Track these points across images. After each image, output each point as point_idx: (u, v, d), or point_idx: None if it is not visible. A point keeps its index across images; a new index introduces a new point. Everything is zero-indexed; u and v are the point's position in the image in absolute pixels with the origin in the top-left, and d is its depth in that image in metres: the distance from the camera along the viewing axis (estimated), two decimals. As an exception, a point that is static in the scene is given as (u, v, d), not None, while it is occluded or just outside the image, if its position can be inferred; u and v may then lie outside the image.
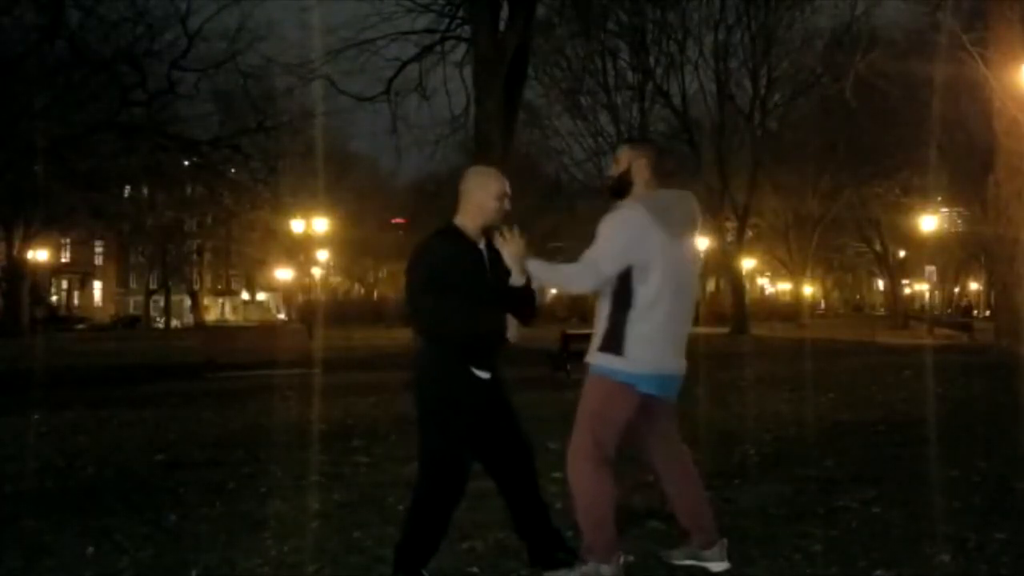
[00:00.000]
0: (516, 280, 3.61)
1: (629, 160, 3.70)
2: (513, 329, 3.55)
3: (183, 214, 52.02)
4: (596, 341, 3.63)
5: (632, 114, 35.59)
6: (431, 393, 3.58)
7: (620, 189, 3.71)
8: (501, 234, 3.62)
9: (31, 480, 6.17)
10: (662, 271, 3.54)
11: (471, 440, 3.60)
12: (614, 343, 3.55)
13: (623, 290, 3.54)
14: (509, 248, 3.60)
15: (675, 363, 3.66)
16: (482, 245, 3.65)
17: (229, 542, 4.40)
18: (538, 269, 3.65)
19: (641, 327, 3.53)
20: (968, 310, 44.57)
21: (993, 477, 5.47)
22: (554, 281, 3.81)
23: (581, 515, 3.56)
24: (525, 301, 3.68)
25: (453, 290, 3.49)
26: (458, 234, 3.63)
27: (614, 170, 3.75)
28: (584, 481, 3.54)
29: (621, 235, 3.54)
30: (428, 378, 3.60)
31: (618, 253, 3.52)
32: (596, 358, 3.60)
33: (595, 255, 3.56)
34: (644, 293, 3.53)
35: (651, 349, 3.55)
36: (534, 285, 3.68)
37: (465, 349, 3.56)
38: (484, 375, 3.59)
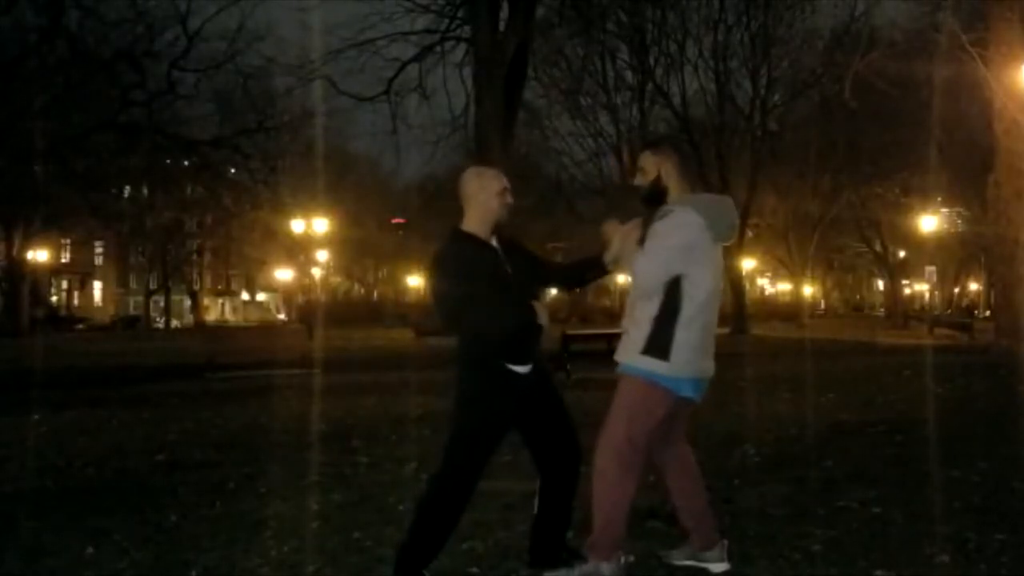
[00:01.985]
0: (613, 264, 3.71)
1: (656, 166, 3.67)
2: (543, 315, 3.58)
3: (183, 214, 51.98)
4: (635, 342, 3.58)
5: (632, 114, 35.60)
6: (472, 397, 3.60)
7: (656, 196, 3.67)
8: (625, 223, 3.68)
9: (31, 480, 6.17)
10: (712, 278, 3.57)
11: (499, 444, 3.62)
12: (660, 348, 3.52)
13: (674, 296, 3.52)
14: (629, 240, 3.62)
15: (710, 366, 3.68)
16: (494, 243, 3.67)
17: (229, 542, 4.41)
18: (637, 256, 3.61)
19: (687, 333, 3.52)
20: (971, 310, 44.56)
21: (993, 477, 5.47)
22: (631, 268, 3.68)
23: (597, 511, 3.55)
24: (586, 278, 3.94)
25: (478, 293, 3.51)
26: (470, 239, 3.64)
27: (642, 178, 3.70)
28: (609, 479, 3.54)
29: (681, 238, 3.51)
30: (470, 382, 3.61)
31: (677, 255, 3.50)
32: (638, 361, 3.56)
33: (663, 255, 3.51)
34: (695, 300, 3.52)
35: (693, 354, 3.55)
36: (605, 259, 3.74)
37: (501, 346, 3.56)
38: (523, 370, 3.59)
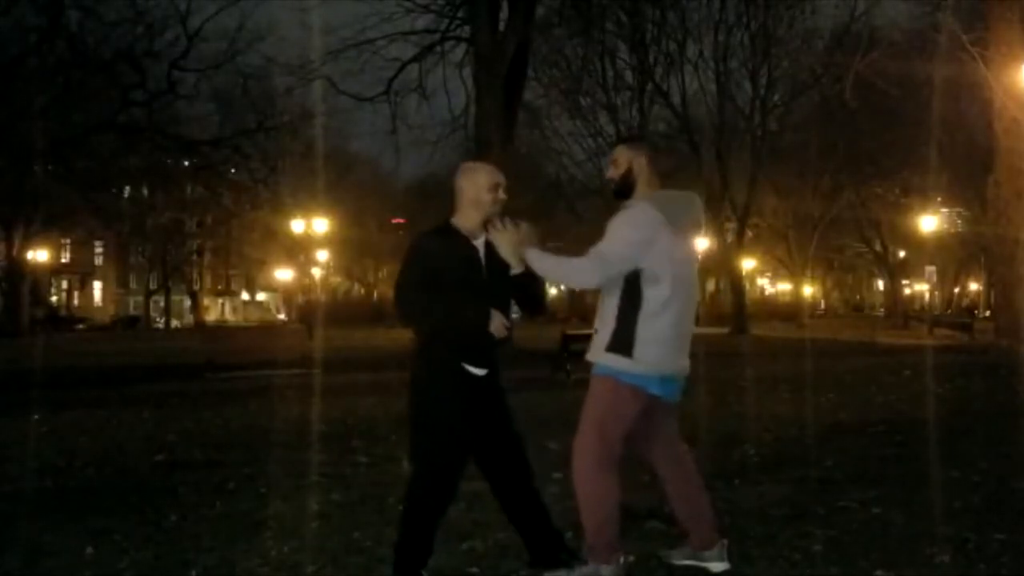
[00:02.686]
0: (514, 269, 3.60)
1: (628, 160, 3.68)
2: (498, 326, 3.51)
3: (183, 214, 52.05)
4: (601, 340, 3.58)
5: (631, 114, 35.58)
6: (423, 391, 3.59)
7: (624, 190, 3.68)
8: (494, 224, 3.60)
9: (31, 480, 6.17)
10: (672, 272, 3.53)
11: (464, 439, 3.59)
12: (623, 344, 3.51)
13: (632, 291, 3.51)
14: (502, 237, 3.59)
15: (681, 364, 3.65)
16: (479, 241, 3.64)
17: (229, 542, 4.40)
18: (538, 260, 3.60)
19: (650, 329, 3.50)
20: (971, 310, 44.51)
21: (993, 477, 5.47)
22: (556, 273, 3.75)
23: (585, 515, 3.54)
24: (527, 291, 3.68)
25: (443, 287, 3.49)
26: (451, 232, 3.62)
27: (613, 172, 3.72)
28: (589, 482, 3.53)
29: (634, 232, 3.50)
30: (421, 376, 3.60)
31: (630, 250, 3.49)
32: (603, 358, 3.56)
33: (606, 250, 3.51)
34: (655, 295, 3.50)
35: (659, 350, 3.53)
36: (539, 275, 3.64)
37: (457, 346, 3.54)
38: (479, 372, 3.58)
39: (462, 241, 3.60)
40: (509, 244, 3.58)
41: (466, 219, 3.64)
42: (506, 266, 3.62)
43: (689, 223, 3.65)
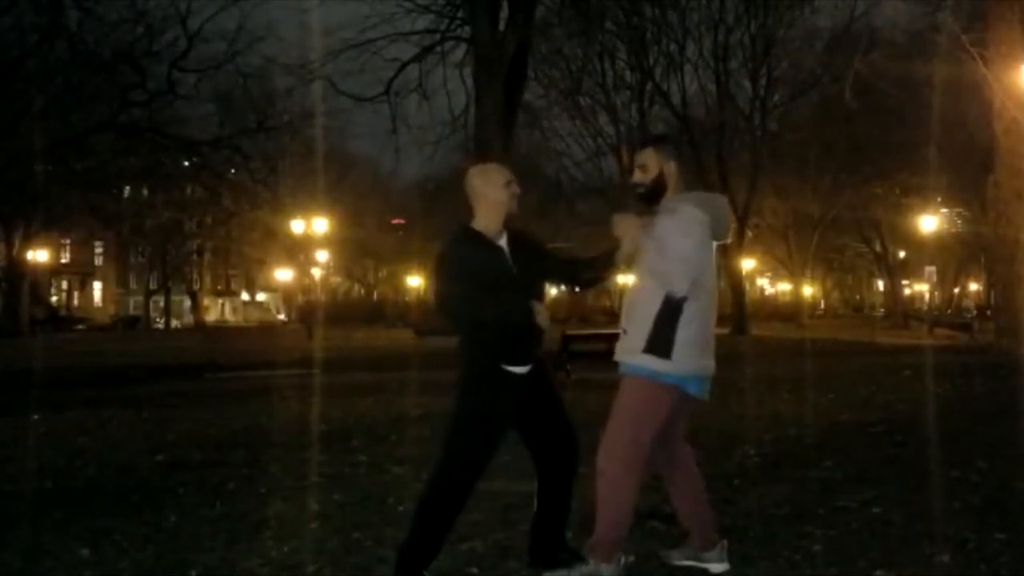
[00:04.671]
0: (625, 250, 3.62)
1: (659, 164, 3.64)
2: (543, 316, 3.54)
3: (182, 215, 52.01)
4: (635, 342, 3.55)
5: (631, 115, 35.60)
6: (466, 392, 3.61)
7: (654, 195, 3.65)
8: (615, 221, 3.63)
9: (31, 480, 6.17)
10: (712, 276, 3.57)
11: (498, 441, 3.62)
12: (662, 346, 3.49)
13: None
14: (626, 224, 3.59)
15: (711, 363, 3.66)
16: (503, 241, 3.65)
17: (229, 542, 4.40)
18: (651, 253, 3.53)
19: (689, 331, 3.51)
20: (981, 310, 44.03)
21: (993, 477, 5.47)
22: (658, 269, 3.56)
23: (601, 513, 3.54)
24: (597, 268, 3.82)
25: (480, 293, 3.51)
26: (475, 237, 3.64)
27: (641, 176, 3.67)
28: (615, 483, 3.52)
29: (698, 234, 3.51)
30: (468, 378, 3.62)
31: (700, 253, 3.50)
32: (640, 360, 3.53)
33: (685, 254, 3.46)
34: (698, 298, 3.51)
35: (695, 351, 3.54)
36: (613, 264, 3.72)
37: (499, 346, 3.55)
38: (521, 370, 3.59)
39: (487, 244, 3.62)
40: (632, 230, 3.58)
41: (487, 221, 3.65)
42: (532, 260, 3.66)
43: (724, 227, 3.67)
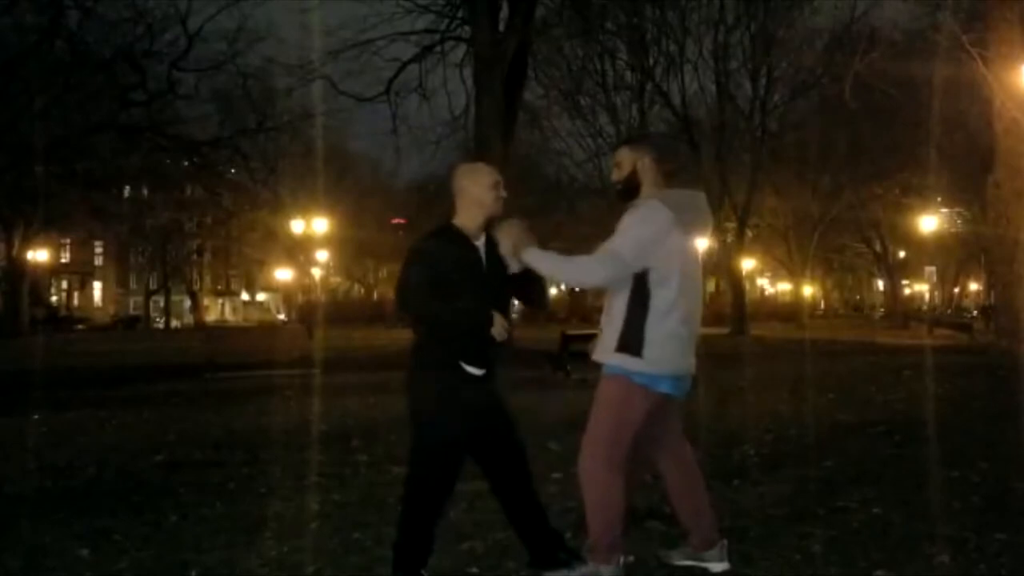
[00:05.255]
0: (512, 268, 3.61)
1: (632, 161, 3.68)
2: (499, 327, 3.51)
3: (182, 215, 52.04)
4: (609, 340, 3.57)
5: (632, 114, 35.55)
6: (421, 390, 3.59)
7: (629, 191, 3.68)
8: (496, 225, 3.62)
9: (31, 480, 6.17)
10: (680, 272, 3.54)
11: (462, 438, 3.59)
12: (632, 344, 3.51)
13: (641, 291, 3.51)
14: (503, 235, 3.59)
15: (689, 362, 3.66)
16: (481, 242, 3.64)
17: (229, 542, 4.40)
18: (539, 259, 3.59)
19: (660, 328, 3.50)
20: (985, 310, 43.80)
21: (993, 477, 5.47)
22: (558, 272, 3.72)
23: (590, 515, 3.54)
24: (526, 290, 3.70)
25: (445, 288, 3.49)
26: (454, 233, 3.62)
27: (617, 174, 3.71)
28: (597, 483, 3.53)
29: (645, 230, 3.50)
30: (419, 375, 3.61)
31: (642, 247, 3.49)
32: (612, 358, 3.55)
33: (616, 247, 3.50)
34: (663, 295, 3.51)
35: (668, 349, 3.53)
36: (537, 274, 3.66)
37: (456, 345, 3.54)
38: (476, 372, 3.57)
39: (463, 242, 3.60)
40: (510, 242, 3.59)
41: (468, 220, 3.63)
42: (506, 266, 3.62)
43: (698, 223, 3.65)
